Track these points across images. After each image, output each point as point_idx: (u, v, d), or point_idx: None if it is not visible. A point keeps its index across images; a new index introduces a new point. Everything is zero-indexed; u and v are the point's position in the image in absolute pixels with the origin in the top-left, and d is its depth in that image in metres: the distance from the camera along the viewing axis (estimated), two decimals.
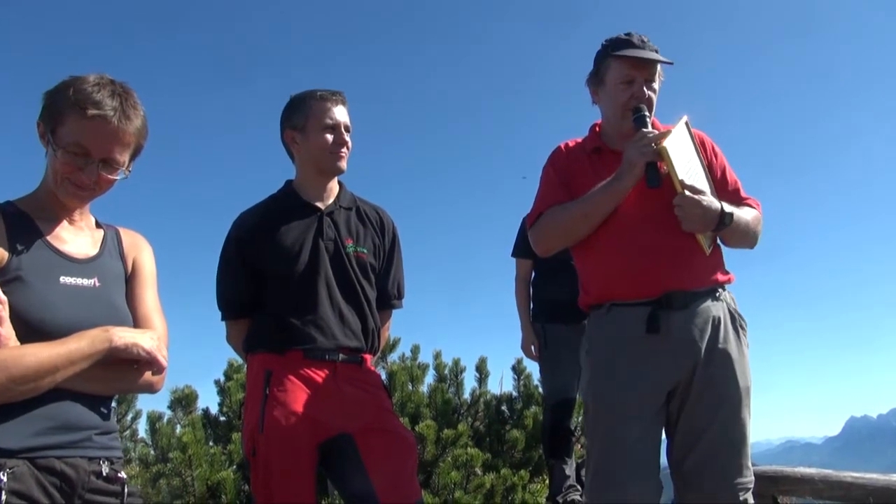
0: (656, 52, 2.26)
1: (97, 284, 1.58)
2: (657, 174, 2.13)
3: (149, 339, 1.55)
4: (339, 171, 2.39)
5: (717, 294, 2.21)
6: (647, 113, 2.22)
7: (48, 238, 1.57)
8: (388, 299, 2.51)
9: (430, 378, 5.42)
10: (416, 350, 5.62)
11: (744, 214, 2.25)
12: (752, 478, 2.14)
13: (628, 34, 2.27)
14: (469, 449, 4.49)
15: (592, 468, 2.20)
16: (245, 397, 2.36)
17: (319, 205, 2.38)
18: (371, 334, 2.37)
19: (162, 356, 1.56)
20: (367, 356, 2.36)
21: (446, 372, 5.48)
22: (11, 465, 1.35)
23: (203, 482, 4.00)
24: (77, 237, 1.64)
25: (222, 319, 2.43)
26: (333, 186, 2.44)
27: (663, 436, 2.22)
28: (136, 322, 1.63)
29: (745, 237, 2.29)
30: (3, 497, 1.31)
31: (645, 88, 2.24)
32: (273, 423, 2.14)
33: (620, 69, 2.25)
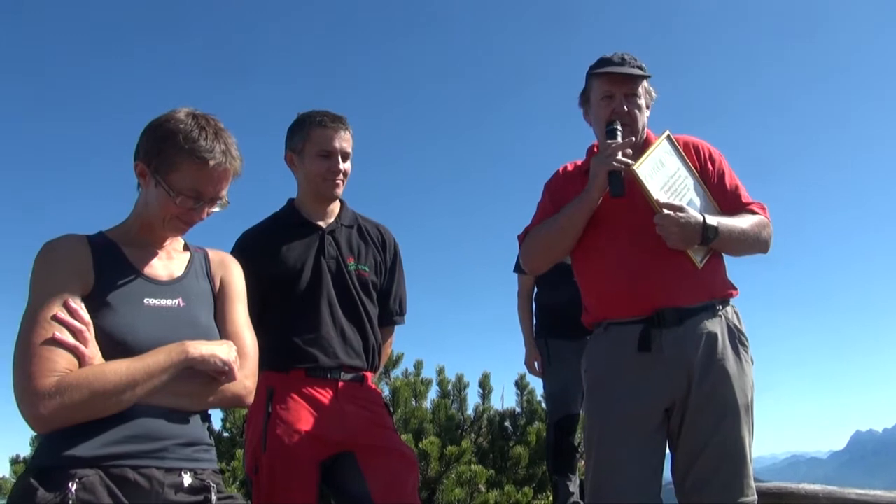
0: (640, 68, 2.27)
1: (181, 304, 1.65)
2: (620, 183, 2.15)
3: (226, 349, 1.60)
4: (333, 199, 2.41)
5: (715, 310, 2.19)
6: (618, 127, 2.24)
7: (134, 263, 1.65)
8: (390, 316, 2.52)
9: (433, 394, 5.40)
10: (419, 365, 5.60)
11: (737, 223, 2.22)
12: (755, 497, 2.12)
13: (611, 54, 2.31)
14: (473, 465, 4.47)
15: (590, 486, 2.21)
16: (247, 415, 2.36)
17: (321, 223, 2.40)
18: (372, 352, 2.38)
19: (237, 366, 1.61)
20: (369, 374, 2.37)
21: (449, 388, 5.46)
22: (82, 474, 1.38)
23: None
24: (163, 261, 1.72)
25: None
26: (335, 205, 2.46)
27: (667, 452, 2.22)
28: (226, 338, 1.68)
29: (745, 245, 2.25)
30: None
31: (626, 104, 2.26)
32: (276, 441, 2.15)
33: (600, 86, 2.28)
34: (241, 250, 2.38)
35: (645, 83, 2.31)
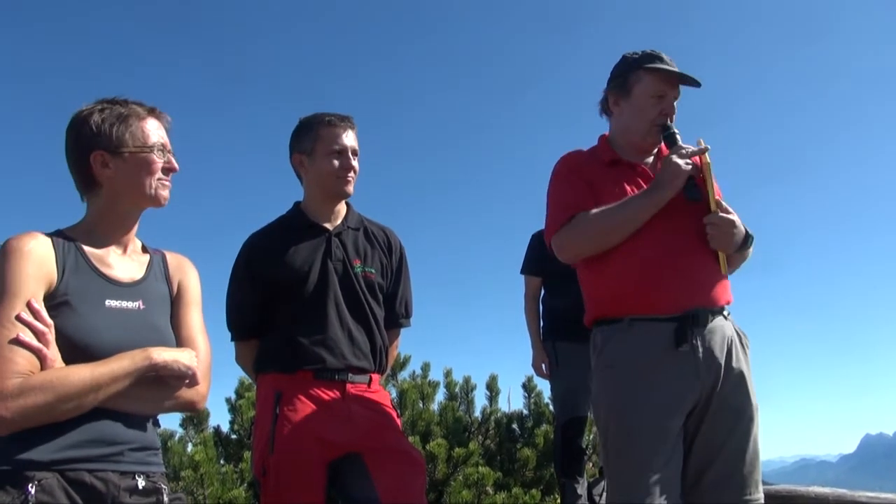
0: None
1: (141, 307, 1.64)
2: (697, 188, 2.17)
3: (187, 356, 1.61)
4: (346, 196, 2.42)
5: (726, 314, 2.23)
6: (676, 130, 2.25)
7: (95, 263, 1.63)
8: (397, 318, 2.52)
9: (440, 396, 5.41)
10: (426, 368, 5.61)
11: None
12: (762, 496, 2.14)
13: (655, 51, 2.29)
14: (480, 468, 4.47)
15: (618, 490, 2.12)
16: (255, 417, 2.37)
17: (327, 226, 2.41)
18: (380, 353, 2.38)
19: (199, 372, 1.63)
20: (376, 376, 2.37)
21: (457, 390, 5.47)
22: (40, 476, 1.39)
23: (215, 500, 4.00)
24: (123, 262, 1.70)
25: (232, 340, 2.45)
26: (341, 207, 2.47)
27: None
28: (181, 342, 1.69)
29: (743, 262, 2.34)
30: None
31: (669, 102, 2.27)
32: (283, 443, 2.16)
33: (653, 83, 2.25)
34: (248, 252, 2.41)
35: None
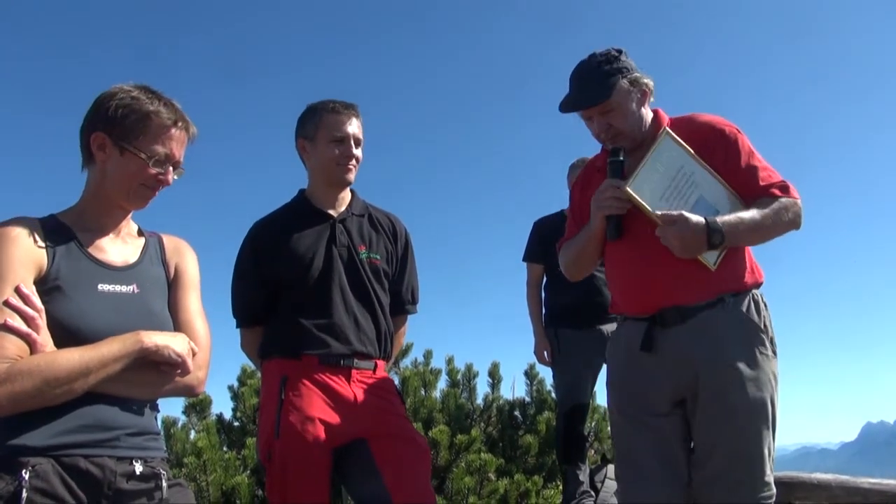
0: (606, 74, 2.18)
1: (136, 291, 1.62)
2: (615, 228, 2.20)
3: (180, 341, 1.58)
4: (347, 184, 2.42)
5: (725, 305, 2.11)
6: (621, 157, 2.19)
7: (87, 248, 1.62)
8: (403, 305, 2.53)
9: (442, 383, 5.42)
10: (428, 355, 5.62)
11: (747, 216, 2.09)
12: (773, 492, 2.06)
13: (576, 67, 2.26)
14: (482, 454, 4.48)
15: (617, 478, 2.28)
16: (260, 402, 2.38)
17: (332, 212, 2.41)
18: (385, 340, 2.39)
19: (191, 360, 1.59)
20: (381, 362, 2.37)
21: (459, 377, 5.48)
22: (35, 462, 1.38)
23: (217, 487, 4.02)
24: (117, 246, 1.68)
25: (237, 327, 2.46)
26: (345, 194, 2.47)
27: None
28: (179, 327, 1.66)
29: (763, 234, 2.13)
30: (25, 495, 1.34)
31: (607, 121, 2.20)
32: (289, 428, 2.16)
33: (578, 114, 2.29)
34: (253, 239, 2.41)
35: (625, 84, 2.17)
